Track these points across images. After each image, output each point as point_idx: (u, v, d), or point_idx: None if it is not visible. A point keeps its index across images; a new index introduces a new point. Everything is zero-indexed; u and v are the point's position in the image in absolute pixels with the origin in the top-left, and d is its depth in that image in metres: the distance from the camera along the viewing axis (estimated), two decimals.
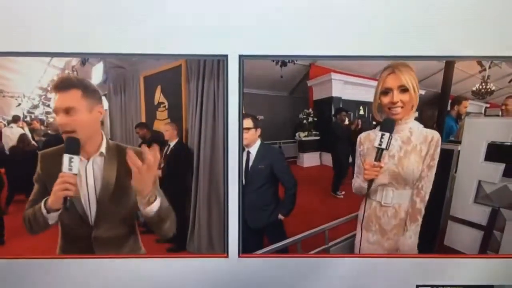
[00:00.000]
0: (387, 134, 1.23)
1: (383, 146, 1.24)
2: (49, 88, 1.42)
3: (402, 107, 1.25)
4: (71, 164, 1.20)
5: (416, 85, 1.24)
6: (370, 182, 1.31)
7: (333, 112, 1.48)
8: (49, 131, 1.46)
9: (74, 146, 1.21)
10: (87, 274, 1.46)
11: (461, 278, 1.51)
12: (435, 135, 1.28)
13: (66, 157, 1.20)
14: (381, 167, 1.26)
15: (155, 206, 1.24)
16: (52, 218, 1.25)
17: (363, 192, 1.40)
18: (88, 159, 1.28)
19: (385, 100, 1.27)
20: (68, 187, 1.20)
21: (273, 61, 1.37)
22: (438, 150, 1.31)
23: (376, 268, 1.49)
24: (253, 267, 1.48)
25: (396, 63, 1.25)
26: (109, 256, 1.40)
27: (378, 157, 1.26)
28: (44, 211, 1.23)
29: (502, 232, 1.45)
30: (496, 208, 1.44)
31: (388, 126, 1.25)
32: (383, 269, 1.49)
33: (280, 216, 1.52)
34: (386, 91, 1.26)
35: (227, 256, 1.47)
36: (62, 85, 1.22)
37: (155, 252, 1.45)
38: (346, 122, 1.49)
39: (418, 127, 1.31)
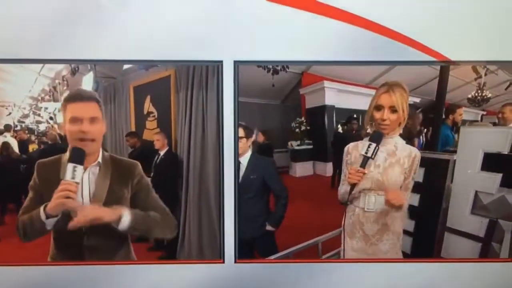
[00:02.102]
0: (373, 144, 1.33)
1: (369, 154, 1.33)
2: (39, 98, 1.43)
3: (388, 125, 1.35)
4: (74, 173, 1.22)
5: (405, 107, 1.34)
6: (353, 186, 1.37)
7: (344, 121, 1.49)
8: (45, 140, 1.46)
9: (80, 156, 1.25)
10: (80, 281, 1.45)
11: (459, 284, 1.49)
12: (417, 152, 1.40)
13: (70, 166, 1.22)
14: (364, 173, 1.35)
15: (123, 224, 1.31)
16: (50, 224, 1.26)
17: (346, 198, 1.43)
18: (85, 168, 1.29)
19: (377, 115, 1.36)
20: (69, 195, 1.22)
21: (265, 69, 1.36)
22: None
23: (374, 272, 1.47)
24: (250, 272, 1.47)
25: (392, 83, 1.33)
26: (105, 263, 1.39)
27: (363, 164, 1.35)
28: (43, 216, 1.24)
29: (501, 244, 1.42)
30: (494, 219, 1.41)
31: (377, 138, 1.34)
32: (381, 273, 1.47)
33: (270, 228, 1.50)
34: (378, 107, 1.35)
35: (223, 262, 1.45)
36: (85, 95, 1.29)
37: (142, 257, 1.44)
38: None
39: (402, 142, 1.40)
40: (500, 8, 1.27)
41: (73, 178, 1.22)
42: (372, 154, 1.32)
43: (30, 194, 1.32)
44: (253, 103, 1.40)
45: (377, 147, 1.32)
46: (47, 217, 1.24)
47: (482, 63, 1.34)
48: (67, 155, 1.29)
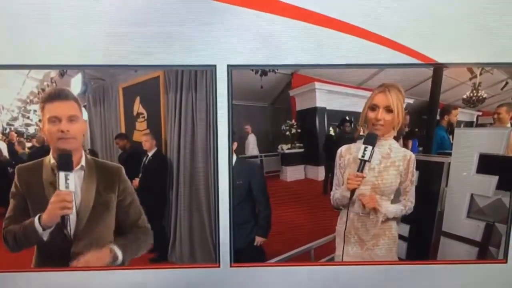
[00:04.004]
0: (369, 147, 1.30)
1: (366, 158, 1.30)
2: (28, 100, 1.43)
3: (383, 125, 1.33)
4: (67, 181, 1.21)
5: (401, 108, 1.32)
6: (352, 192, 1.35)
7: (336, 123, 1.47)
8: (33, 144, 1.46)
9: (68, 162, 1.23)
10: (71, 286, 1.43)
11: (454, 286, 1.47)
12: (412, 154, 1.38)
13: (62, 175, 1.21)
14: (363, 177, 1.33)
15: (117, 262, 1.35)
16: (46, 235, 1.25)
17: (343, 203, 1.41)
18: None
19: (371, 115, 1.33)
20: (66, 205, 1.21)
21: (253, 70, 1.34)
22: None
23: (372, 276, 1.46)
24: (245, 276, 1.46)
25: (388, 85, 1.31)
26: (101, 268, 1.38)
27: (361, 168, 1.32)
28: (39, 228, 1.23)
29: (498, 248, 1.39)
30: (491, 223, 1.38)
31: (371, 140, 1.31)
32: (379, 276, 1.46)
33: (260, 239, 1.48)
34: (373, 107, 1.33)
35: (219, 266, 1.44)
36: (62, 94, 1.26)
37: (137, 261, 1.42)
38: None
39: (396, 145, 1.38)
40: (488, 10, 1.25)
41: (67, 187, 1.21)
42: (369, 157, 1.30)
43: (13, 202, 1.30)
44: (241, 106, 1.38)
45: (373, 149, 1.30)
46: (44, 228, 1.23)
47: (473, 65, 1.32)
48: (49, 157, 1.28)
